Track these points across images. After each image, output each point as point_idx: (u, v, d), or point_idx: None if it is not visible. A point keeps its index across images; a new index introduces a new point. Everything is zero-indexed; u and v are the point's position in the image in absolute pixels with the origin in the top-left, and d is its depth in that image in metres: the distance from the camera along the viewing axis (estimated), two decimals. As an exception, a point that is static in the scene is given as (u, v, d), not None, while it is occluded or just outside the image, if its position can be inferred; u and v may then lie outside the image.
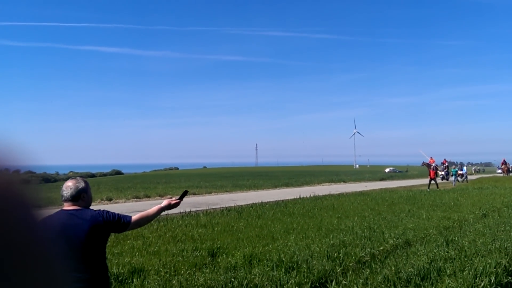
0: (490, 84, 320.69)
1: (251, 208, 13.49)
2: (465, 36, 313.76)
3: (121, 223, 2.82)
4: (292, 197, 17.68)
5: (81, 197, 2.75)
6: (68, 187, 2.73)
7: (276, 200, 16.30)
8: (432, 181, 24.96)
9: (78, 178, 2.83)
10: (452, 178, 30.43)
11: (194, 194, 21.41)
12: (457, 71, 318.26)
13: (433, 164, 42.91)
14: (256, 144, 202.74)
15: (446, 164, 50.70)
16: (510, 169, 55.56)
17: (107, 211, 2.82)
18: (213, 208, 13.77)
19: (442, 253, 6.60)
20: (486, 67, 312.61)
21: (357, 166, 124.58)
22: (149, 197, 19.88)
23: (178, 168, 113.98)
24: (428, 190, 22.41)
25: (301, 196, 17.77)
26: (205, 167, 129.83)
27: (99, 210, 2.81)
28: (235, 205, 14.84)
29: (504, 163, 57.99)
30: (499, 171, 56.87)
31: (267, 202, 15.68)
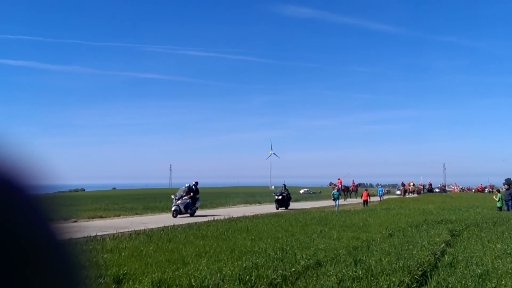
0: (398, 110, 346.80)
1: (162, 232, 13.14)
2: (376, 63, 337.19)
3: None
4: (206, 219, 17.53)
5: None
6: None
7: (189, 223, 16.05)
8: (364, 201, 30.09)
9: None
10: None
11: (101, 217, 20.40)
12: (369, 96, 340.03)
13: (338, 186, 45.16)
14: (171, 165, 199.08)
15: (355, 184, 53.41)
16: (411, 190, 60.19)
17: None
18: (121, 232, 13.20)
19: (351, 273, 6.89)
20: (393, 93, 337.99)
21: (273, 187, 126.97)
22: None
23: (84, 190, 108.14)
24: (364, 207, 27.58)
25: (216, 219, 17.67)
26: (114, 188, 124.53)
27: None
28: (145, 228, 14.35)
29: (403, 184, 62.86)
30: (398, 192, 61.57)
31: (180, 224, 15.41)
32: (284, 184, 29.93)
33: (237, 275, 6.73)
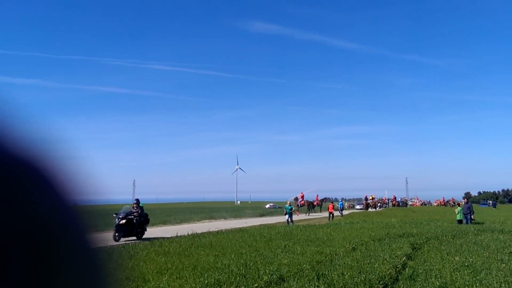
0: (363, 125, 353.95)
1: (122, 249, 12.84)
2: (341, 79, 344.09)
3: None
4: (169, 235, 17.26)
5: None
6: None
7: (150, 239, 15.77)
8: (331, 214, 32.09)
9: None
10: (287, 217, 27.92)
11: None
12: (333, 112, 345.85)
13: (300, 200, 45.86)
14: (134, 180, 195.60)
15: (320, 199, 54.13)
16: (371, 205, 61.48)
17: None
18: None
19: (313, 288, 6.92)
20: (358, 109, 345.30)
21: (239, 202, 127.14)
22: None
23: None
24: (329, 221, 28.24)
25: (179, 234, 17.43)
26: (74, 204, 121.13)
27: None
28: (105, 245, 13.97)
29: (366, 199, 64.17)
30: (358, 206, 62.79)
31: (142, 241, 15.11)
32: (137, 200, 19.91)
33: (199, 292, 6.64)
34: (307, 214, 43.21)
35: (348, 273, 8.05)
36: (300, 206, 45.96)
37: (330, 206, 34.38)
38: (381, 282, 7.39)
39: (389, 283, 7.55)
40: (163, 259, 10.76)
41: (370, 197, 65.14)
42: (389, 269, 8.53)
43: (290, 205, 28.24)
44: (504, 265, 9.28)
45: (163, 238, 16.19)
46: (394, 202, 75.34)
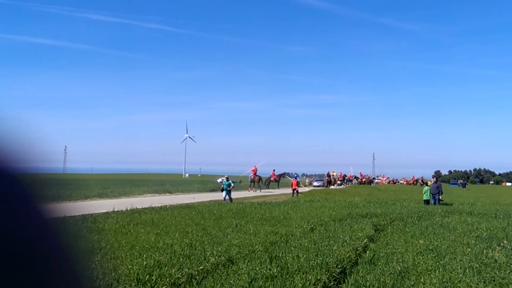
0: (329, 94, 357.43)
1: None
2: (308, 42, 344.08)
3: None
4: (105, 211, 17.05)
5: None
6: None
7: (83, 214, 15.52)
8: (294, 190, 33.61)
9: None
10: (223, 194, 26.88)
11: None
12: (299, 78, 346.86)
13: (252, 175, 46.29)
14: (65, 146, 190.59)
15: (276, 174, 54.82)
16: (333, 182, 62.98)
17: None
18: None
19: (264, 271, 7.06)
20: (325, 76, 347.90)
21: (187, 175, 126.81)
22: None
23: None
24: (293, 197, 30.71)
25: (116, 210, 17.26)
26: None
27: None
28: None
29: (328, 175, 65.55)
30: (316, 183, 63.23)
31: (72, 216, 14.83)
32: None
33: (135, 274, 6.64)
34: (254, 191, 43.36)
35: (304, 256, 8.25)
36: (251, 181, 46.22)
37: (294, 182, 35.68)
38: (338, 266, 7.63)
39: (348, 266, 7.82)
40: (96, 237, 10.65)
41: (332, 173, 66.58)
42: (348, 252, 8.81)
43: (228, 180, 27.32)
44: (469, 249, 9.79)
45: (98, 213, 15.98)
46: (363, 180, 77.55)
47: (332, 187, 58.81)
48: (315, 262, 7.68)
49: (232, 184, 28.06)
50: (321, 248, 9.26)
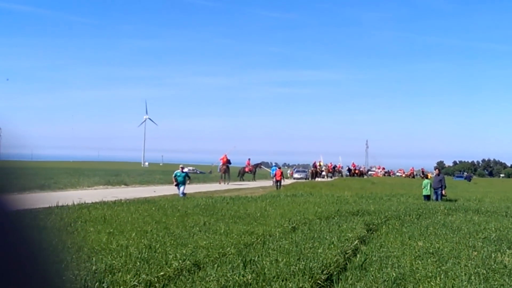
0: (315, 70, 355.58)
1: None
2: (290, 8, 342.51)
3: None
4: (47, 205, 16.85)
5: None
6: None
7: (20, 210, 15.32)
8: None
9: None
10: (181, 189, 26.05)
11: None
12: (278, 50, 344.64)
13: (221, 165, 46.14)
14: (0, 129, 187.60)
15: (251, 165, 54.84)
16: (319, 173, 63.38)
17: None
18: None
19: (237, 278, 7.07)
20: (310, 48, 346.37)
21: (147, 164, 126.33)
22: None
23: None
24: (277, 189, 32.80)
25: (61, 204, 17.07)
26: None
27: None
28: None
29: (314, 166, 65.88)
30: (297, 175, 62.70)
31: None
32: None
33: (83, 281, 6.58)
34: (219, 183, 42.54)
35: (284, 260, 8.28)
36: (220, 172, 46.05)
37: (278, 172, 36.23)
38: (324, 272, 7.68)
39: (335, 272, 7.88)
40: (36, 237, 10.52)
41: (318, 164, 66.91)
42: (336, 255, 8.87)
43: (183, 172, 26.69)
44: (475, 253, 9.96)
45: (39, 208, 15.78)
46: (356, 171, 78.21)
47: (318, 179, 59.05)
48: (296, 268, 7.71)
49: (189, 176, 27.49)
50: (304, 251, 9.30)
